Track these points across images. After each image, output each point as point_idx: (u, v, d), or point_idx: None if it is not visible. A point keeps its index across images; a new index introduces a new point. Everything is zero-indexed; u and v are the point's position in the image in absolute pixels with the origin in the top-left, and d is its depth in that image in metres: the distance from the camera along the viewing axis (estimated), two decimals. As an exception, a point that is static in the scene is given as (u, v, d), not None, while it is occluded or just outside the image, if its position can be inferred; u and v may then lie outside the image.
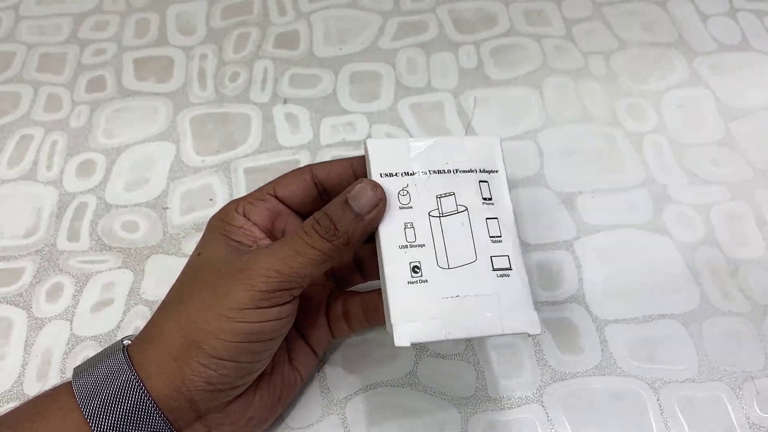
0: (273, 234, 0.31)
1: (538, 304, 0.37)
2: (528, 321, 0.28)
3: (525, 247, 0.40)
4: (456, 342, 0.28)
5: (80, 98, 0.48)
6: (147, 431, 0.27)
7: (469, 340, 0.36)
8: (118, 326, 0.37)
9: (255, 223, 0.30)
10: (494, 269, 0.28)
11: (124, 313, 0.38)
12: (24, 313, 0.38)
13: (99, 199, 0.42)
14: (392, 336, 0.27)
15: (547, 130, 0.45)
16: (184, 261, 0.31)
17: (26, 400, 0.29)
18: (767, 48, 0.50)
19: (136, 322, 0.37)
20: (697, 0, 0.53)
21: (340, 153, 0.44)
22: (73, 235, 0.41)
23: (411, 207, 0.28)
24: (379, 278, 0.29)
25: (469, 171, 0.30)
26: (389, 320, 0.27)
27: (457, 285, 0.28)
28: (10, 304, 0.38)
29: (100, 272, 0.39)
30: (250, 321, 0.27)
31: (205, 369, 0.27)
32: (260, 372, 0.29)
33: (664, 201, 0.42)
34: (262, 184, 0.32)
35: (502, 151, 0.31)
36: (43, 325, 0.37)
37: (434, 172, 0.29)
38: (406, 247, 0.28)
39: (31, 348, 0.37)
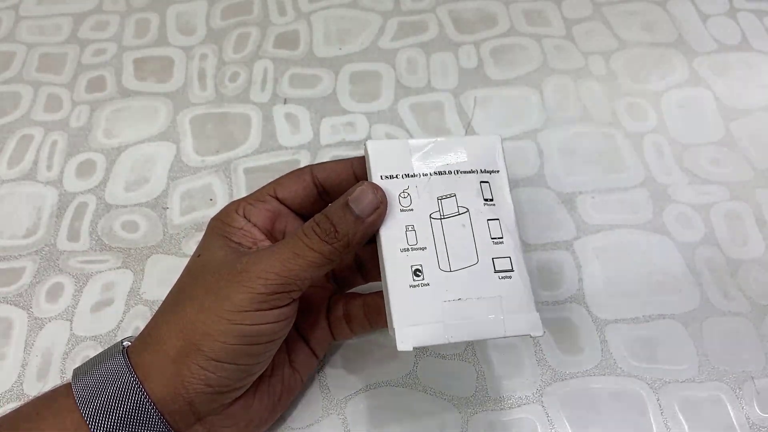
0: (273, 235, 0.31)
1: (538, 304, 0.37)
2: (530, 323, 0.28)
3: (525, 247, 0.40)
4: (456, 343, 0.28)
5: (80, 98, 0.48)
6: None
7: (470, 342, 0.36)
8: (118, 326, 0.37)
9: (255, 225, 0.30)
10: (496, 271, 0.28)
11: (124, 313, 0.38)
12: (24, 313, 0.38)
13: (99, 199, 0.42)
14: (394, 340, 0.27)
15: (547, 130, 0.45)
16: (184, 261, 0.31)
17: (26, 401, 0.29)
18: (767, 48, 0.50)
19: (136, 322, 0.37)
20: (697, 0, 0.53)
21: (340, 153, 0.44)
22: (73, 235, 0.41)
23: (412, 209, 0.28)
24: (380, 279, 0.29)
25: (470, 172, 0.30)
26: (391, 324, 0.27)
27: (458, 288, 0.28)
28: (10, 304, 0.38)
29: (100, 272, 0.39)
30: (250, 323, 0.27)
31: (205, 371, 0.27)
32: (260, 374, 0.29)
33: (664, 201, 0.42)
34: (262, 184, 0.32)
35: (503, 150, 0.31)
36: (43, 325, 0.37)
37: (435, 173, 0.29)
38: (408, 250, 0.28)
39: (31, 348, 0.37)
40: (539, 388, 0.35)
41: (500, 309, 0.28)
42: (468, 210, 0.29)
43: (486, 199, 0.29)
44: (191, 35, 0.51)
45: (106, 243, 0.40)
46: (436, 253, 0.28)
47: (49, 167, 0.44)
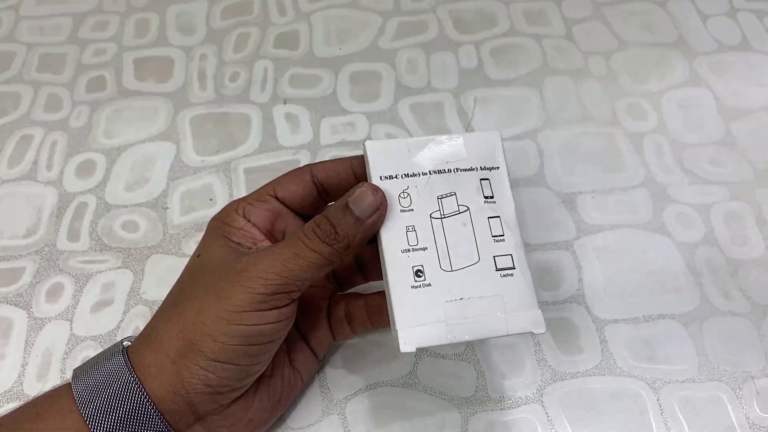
0: (273, 235, 0.31)
1: (538, 304, 0.37)
2: (533, 320, 0.28)
3: (525, 247, 0.40)
4: (459, 342, 0.28)
5: (80, 98, 0.48)
6: None
7: (471, 341, 0.36)
8: (118, 326, 0.37)
9: (255, 225, 0.30)
10: (497, 269, 0.28)
11: (124, 313, 0.38)
12: (24, 313, 0.38)
13: (99, 199, 0.42)
14: (397, 341, 0.27)
15: (547, 130, 0.45)
16: (184, 261, 0.31)
17: (26, 401, 0.29)
18: (767, 48, 0.50)
19: (136, 322, 0.37)
20: (697, 0, 0.53)
21: (340, 153, 0.44)
22: (73, 235, 0.41)
23: (412, 210, 0.28)
24: (380, 278, 0.29)
25: (469, 169, 0.29)
26: (394, 326, 0.27)
27: (460, 287, 0.27)
28: (10, 304, 0.38)
29: (100, 272, 0.39)
30: (249, 323, 0.27)
31: (204, 371, 0.27)
32: (259, 374, 0.29)
33: (664, 201, 0.42)
34: (262, 184, 0.32)
35: (503, 146, 0.30)
36: (43, 325, 0.37)
37: (434, 172, 0.29)
38: (409, 251, 0.28)
39: (31, 348, 0.37)
40: (539, 388, 0.35)
41: (502, 307, 0.27)
42: (468, 208, 0.29)
43: (486, 197, 0.29)
44: (191, 35, 0.51)
45: (106, 243, 0.40)
46: (437, 253, 0.28)
47: (49, 167, 0.44)
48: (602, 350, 0.36)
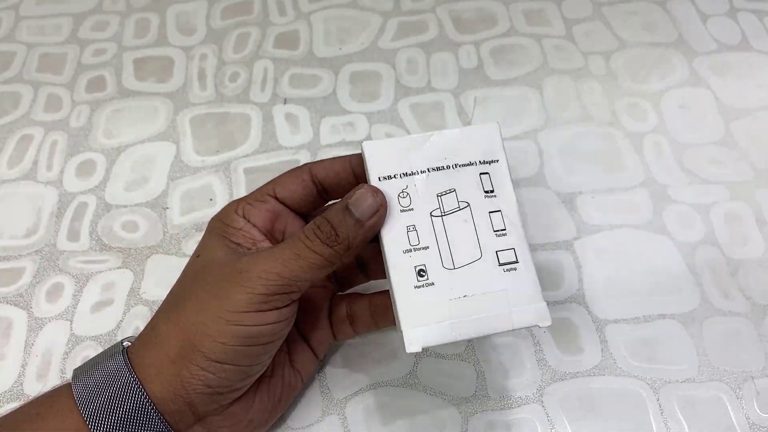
0: (273, 235, 0.31)
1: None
2: (537, 313, 0.28)
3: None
4: (465, 340, 0.28)
5: (80, 98, 0.48)
6: None
7: (470, 340, 0.36)
8: (118, 326, 0.37)
9: (255, 225, 0.30)
10: (500, 264, 0.28)
11: (124, 313, 0.38)
12: (24, 313, 0.38)
13: (99, 199, 0.42)
14: (403, 342, 0.27)
15: (547, 130, 0.45)
16: (184, 261, 0.31)
17: (26, 401, 0.29)
18: (767, 48, 0.50)
19: (136, 322, 0.37)
20: (697, 0, 0.53)
21: (340, 153, 0.44)
22: (73, 235, 0.41)
23: (412, 209, 0.28)
24: (381, 277, 0.28)
25: (468, 164, 0.29)
26: (399, 326, 0.27)
27: (463, 285, 0.27)
28: (10, 304, 0.38)
29: (100, 272, 0.39)
30: (249, 324, 0.27)
31: (204, 372, 0.27)
32: (259, 375, 0.29)
33: (664, 201, 0.42)
34: (262, 184, 0.32)
35: (502, 138, 0.30)
36: (43, 325, 0.37)
37: (433, 169, 0.29)
38: (410, 251, 0.28)
39: (31, 348, 0.37)
40: (539, 388, 0.35)
41: (506, 302, 0.27)
42: (469, 204, 0.29)
43: (486, 191, 0.29)
44: (191, 35, 0.51)
45: (106, 243, 0.40)
46: (439, 251, 0.28)
47: (49, 167, 0.44)
48: (602, 350, 0.36)
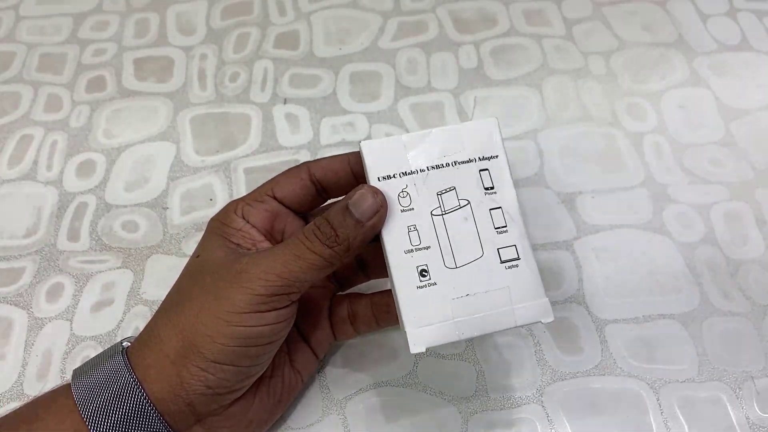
0: (272, 236, 0.31)
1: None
2: (540, 309, 0.28)
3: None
4: (469, 339, 0.28)
5: (80, 98, 0.48)
6: None
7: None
8: (118, 326, 0.37)
9: (254, 226, 0.30)
10: (502, 261, 0.28)
11: (124, 313, 0.38)
12: (24, 313, 0.38)
13: (99, 199, 0.42)
14: (407, 342, 0.27)
15: (547, 130, 0.45)
16: (184, 261, 0.31)
17: (26, 401, 0.29)
18: (767, 48, 0.50)
19: (136, 322, 0.37)
20: (697, 0, 0.53)
21: (340, 153, 0.44)
22: (73, 235, 0.41)
23: (412, 209, 0.28)
24: (382, 277, 0.28)
25: (468, 161, 0.29)
26: (403, 327, 0.27)
27: (466, 283, 0.27)
28: (10, 304, 0.38)
29: (100, 272, 0.39)
30: (249, 325, 0.27)
31: (204, 373, 0.27)
32: (259, 375, 0.29)
33: (664, 201, 0.42)
34: (261, 185, 0.32)
35: (501, 133, 0.30)
36: (43, 325, 0.37)
37: (433, 167, 0.29)
38: (412, 251, 0.28)
39: (31, 348, 0.37)
40: (539, 388, 0.35)
41: (509, 299, 0.27)
42: (469, 202, 0.28)
43: (487, 188, 0.29)
44: (191, 35, 0.51)
45: (106, 243, 0.40)
46: (441, 250, 0.28)
47: (49, 167, 0.44)
48: (602, 350, 0.36)
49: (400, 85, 0.48)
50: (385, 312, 0.32)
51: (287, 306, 0.28)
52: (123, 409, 0.26)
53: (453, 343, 0.28)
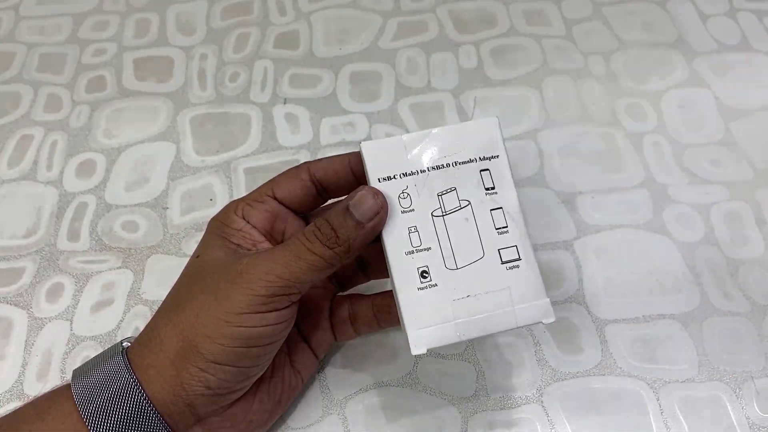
0: (272, 236, 0.31)
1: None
2: (541, 309, 0.28)
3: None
4: (470, 340, 0.28)
5: (80, 98, 0.48)
6: None
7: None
8: (118, 326, 0.37)
9: (254, 226, 0.30)
10: (503, 262, 0.28)
11: (124, 313, 0.38)
12: (24, 313, 0.38)
13: (99, 199, 0.42)
14: (408, 344, 0.27)
15: (547, 130, 0.45)
16: (184, 261, 0.31)
17: (26, 401, 0.29)
18: (767, 48, 0.50)
19: (136, 322, 0.37)
20: (697, 0, 0.53)
21: (339, 153, 0.44)
22: (73, 235, 0.41)
23: (413, 210, 0.28)
24: (383, 277, 0.28)
25: (468, 161, 0.29)
26: (404, 328, 0.27)
27: (467, 284, 0.27)
28: (10, 304, 0.38)
29: (100, 272, 0.39)
30: (249, 325, 0.27)
31: (204, 373, 0.27)
32: (259, 376, 0.29)
33: (664, 201, 0.42)
34: (261, 185, 0.32)
35: (502, 133, 0.30)
36: (43, 325, 0.37)
37: (433, 168, 0.29)
38: (413, 252, 0.28)
39: (31, 348, 0.37)
40: (539, 388, 0.35)
41: (510, 300, 0.27)
42: (470, 203, 0.28)
43: (487, 188, 0.29)
44: (191, 35, 0.51)
45: (106, 243, 0.40)
46: (441, 252, 0.28)
47: (49, 167, 0.44)
48: (602, 350, 0.36)
49: (400, 85, 0.48)
50: (386, 313, 0.32)
51: (288, 307, 0.28)
52: (123, 409, 0.26)
53: (454, 343, 0.28)
